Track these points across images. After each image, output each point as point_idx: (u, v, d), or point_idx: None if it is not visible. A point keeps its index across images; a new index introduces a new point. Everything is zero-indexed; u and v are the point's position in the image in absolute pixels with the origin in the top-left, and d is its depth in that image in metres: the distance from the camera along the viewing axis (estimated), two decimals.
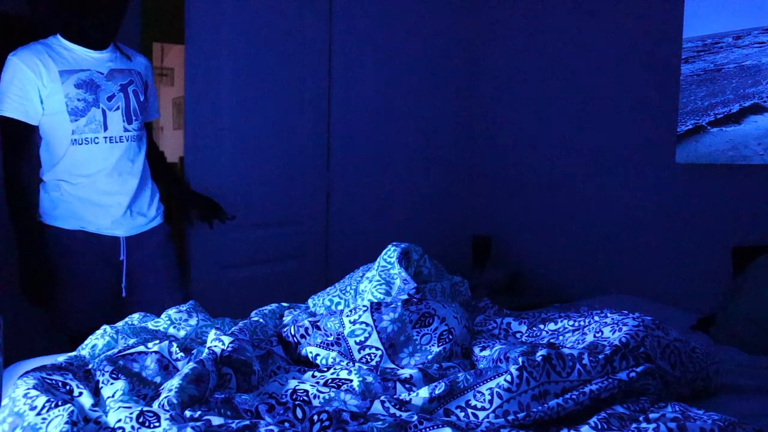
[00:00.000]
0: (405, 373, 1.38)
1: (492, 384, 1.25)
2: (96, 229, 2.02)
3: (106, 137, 1.99)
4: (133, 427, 1.10)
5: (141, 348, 1.39)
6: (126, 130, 2.04)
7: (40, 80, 1.91)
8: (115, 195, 2.03)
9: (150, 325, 1.68)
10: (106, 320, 1.80)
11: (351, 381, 1.34)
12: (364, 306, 1.55)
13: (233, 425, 1.10)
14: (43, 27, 2.09)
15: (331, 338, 1.53)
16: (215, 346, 1.41)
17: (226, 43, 2.89)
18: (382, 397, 1.26)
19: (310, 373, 1.45)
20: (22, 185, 1.95)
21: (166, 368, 1.36)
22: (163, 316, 1.71)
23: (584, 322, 1.59)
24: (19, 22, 2.43)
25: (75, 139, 1.96)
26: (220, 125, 2.91)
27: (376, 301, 1.62)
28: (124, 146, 2.04)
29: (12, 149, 1.94)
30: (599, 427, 1.16)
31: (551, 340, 1.57)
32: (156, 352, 1.38)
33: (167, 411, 1.15)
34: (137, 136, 2.08)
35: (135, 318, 1.72)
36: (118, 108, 2.01)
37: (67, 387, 1.27)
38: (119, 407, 1.17)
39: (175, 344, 1.42)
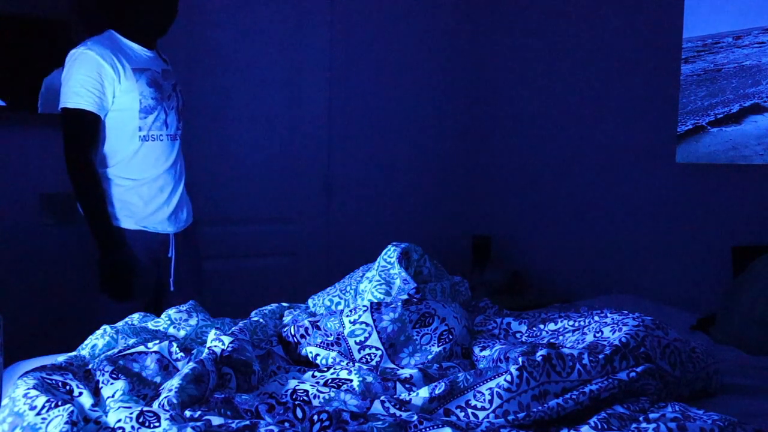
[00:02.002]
0: (405, 373, 1.39)
1: (492, 384, 1.25)
2: (153, 227, 2.05)
3: (167, 135, 2.04)
4: (133, 427, 1.10)
5: (141, 348, 1.39)
6: (177, 129, 2.10)
7: (118, 77, 1.91)
8: (172, 192, 2.08)
9: (150, 325, 1.68)
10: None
11: (351, 381, 1.34)
12: (364, 306, 1.55)
13: (233, 425, 1.10)
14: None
15: (331, 338, 1.53)
16: (215, 346, 1.41)
17: (227, 40, 2.89)
18: (382, 397, 1.26)
19: (310, 373, 1.45)
20: (97, 179, 1.94)
21: (166, 368, 1.36)
22: (163, 316, 1.72)
23: (584, 322, 1.59)
24: (25, 23, 2.43)
25: (143, 136, 1.98)
26: (222, 123, 2.91)
27: (376, 301, 1.62)
28: (178, 144, 2.10)
29: (85, 143, 1.93)
30: (599, 427, 1.16)
31: (551, 340, 1.57)
32: (156, 352, 1.38)
33: (167, 411, 1.15)
34: (182, 134, 2.14)
35: (135, 318, 1.72)
36: (173, 107, 2.07)
37: (67, 387, 1.27)
38: (119, 407, 1.17)
39: (175, 344, 1.42)
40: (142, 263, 2.02)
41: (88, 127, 1.93)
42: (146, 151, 2.00)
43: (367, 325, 1.50)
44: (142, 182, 2.01)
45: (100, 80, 1.90)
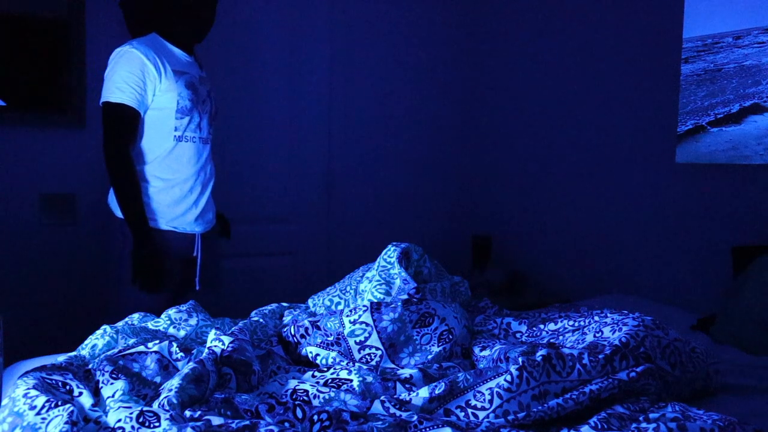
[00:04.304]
0: (405, 373, 1.39)
1: (492, 384, 1.25)
2: (182, 228, 2.10)
3: (200, 138, 2.11)
4: (133, 427, 1.10)
5: (141, 348, 1.39)
6: (209, 133, 2.17)
7: (159, 76, 1.98)
8: (201, 194, 2.14)
9: (150, 325, 1.68)
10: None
11: (351, 381, 1.34)
12: (364, 306, 1.55)
13: (233, 425, 1.10)
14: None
15: (331, 338, 1.53)
16: (215, 346, 1.41)
17: (228, 40, 2.89)
18: (382, 397, 1.26)
19: (310, 373, 1.45)
20: (134, 173, 1.99)
21: (166, 368, 1.36)
22: (163, 316, 1.72)
23: (584, 322, 1.59)
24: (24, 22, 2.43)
25: (177, 136, 2.04)
26: (221, 123, 2.91)
27: (376, 301, 1.62)
28: (208, 148, 2.17)
29: (124, 138, 1.99)
30: (599, 427, 1.16)
31: (551, 340, 1.57)
32: (156, 352, 1.38)
33: (167, 411, 1.15)
34: (212, 138, 2.21)
35: (135, 318, 1.72)
36: (207, 111, 2.13)
37: (67, 387, 1.27)
38: (119, 407, 1.17)
39: (175, 344, 1.42)
40: (169, 261, 2.07)
41: (128, 122, 1.99)
42: (180, 151, 2.06)
43: (367, 325, 1.50)
44: (174, 183, 2.06)
45: (142, 77, 1.96)
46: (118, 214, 2.03)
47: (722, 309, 2.10)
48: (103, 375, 1.30)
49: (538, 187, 3.26)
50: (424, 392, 1.26)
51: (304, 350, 1.56)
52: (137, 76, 1.96)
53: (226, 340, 1.41)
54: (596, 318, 1.59)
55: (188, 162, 2.08)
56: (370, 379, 1.35)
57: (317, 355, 1.53)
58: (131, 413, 1.13)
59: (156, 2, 2.05)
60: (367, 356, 1.49)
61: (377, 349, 1.48)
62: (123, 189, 1.98)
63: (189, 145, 2.08)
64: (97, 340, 1.54)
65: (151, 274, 1.99)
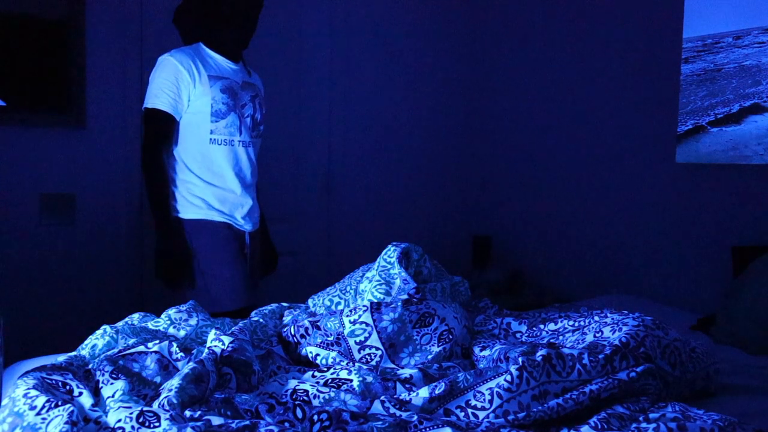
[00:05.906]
0: (405, 373, 1.38)
1: (492, 384, 1.25)
2: (235, 223, 2.19)
3: (240, 141, 2.18)
4: (133, 427, 1.10)
5: (141, 348, 1.39)
6: (252, 136, 2.22)
7: (193, 82, 2.09)
8: (245, 194, 2.21)
9: (150, 325, 1.68)
10: (250, 301, 2.12)
11: (351, 381, 1.34)
12: (364, 306, 1.55)
13: (233, 425, 1.10)
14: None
15: (331, 338, 1.53)
16: (215, 346, 1.41)
17: None
18: (382, 397, 1.26)
19: (310, 373, 1.45)
20: (163, 173, 2.10)
21: (166, 368, 1.36)
22: (163, 316, 1.72)
23: (584, 322, 1.59)
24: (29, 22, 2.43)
25: (213, 139, 2.13)
26: None
27: (376, 301, 1.62)
28: (251, 151, 2.23)
29: (158, 140, 2.10)
30: (599, 427, 1.16)
31: (551, 340, 1.57)
32: (156, 352, 1.38)
33: (167, 411, 1.15)
34: (258, 143, 2.28)
35: (135, 318, 1.72)
36: (248, 116, 2.20)
37: (67, 387, 1.27)
38: (119, 407, 1.17)
39: (175, 344, 1.42)
40: (233, 257, 2.15)
41: (162, 126, 2.09)
42: (217, 153, 2.14)
43: (367, 325, 1.50)
44: (214, 183, 2.14)
45: (176, 83, 2.07)
46: (176, 213, 2.12)
47: (722, 309, 2.10)
48: (103, 375, 1.30)
49: (538, 187, 3.26)
50: (424, 392, 1.26)
51: (304, 350, 1.56)
52: (171, 83, 2.07)
53: (226, 340, 1.41)
54: (596, 318, 1.59)
55: (227, 164, 2.15)
56: (370, 379, 1.34)
57: (317, 355, 1.53)
58: (131, 413, 1.13)
59: (201, 17, 2.15)
60: (367, 356, 1.49)
61: (377, 349, 1.48)
62: (150, 187, 2.10)
63: (226, 148, 2.15)
64: (97, 340, 1.54)
65: (172, 269, 2.06)
